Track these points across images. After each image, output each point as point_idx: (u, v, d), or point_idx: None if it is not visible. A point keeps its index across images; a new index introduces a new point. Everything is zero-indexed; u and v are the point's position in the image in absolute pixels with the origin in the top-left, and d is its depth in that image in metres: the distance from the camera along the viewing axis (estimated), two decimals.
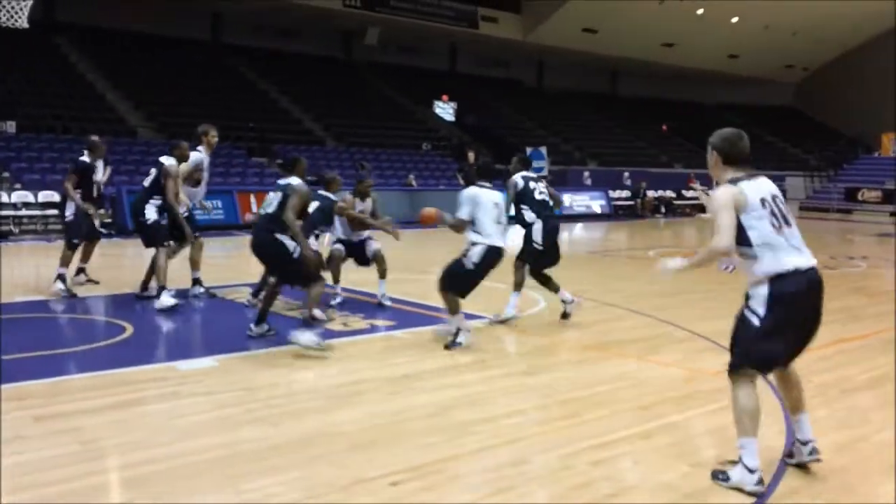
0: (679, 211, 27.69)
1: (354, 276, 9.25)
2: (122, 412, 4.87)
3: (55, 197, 15.43)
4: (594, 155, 32.08)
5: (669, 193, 28.15)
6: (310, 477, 3.94)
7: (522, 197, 7.91)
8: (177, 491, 3.76)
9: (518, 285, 7.94)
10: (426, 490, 3.82)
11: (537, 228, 7.83)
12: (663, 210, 27.41)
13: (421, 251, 12.75)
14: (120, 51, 26.08)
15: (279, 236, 6.47)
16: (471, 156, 22.49)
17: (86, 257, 9.60)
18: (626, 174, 27.91)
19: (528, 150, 26.85)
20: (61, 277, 8.79)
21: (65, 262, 8.88)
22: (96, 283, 9.52)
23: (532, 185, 7.95)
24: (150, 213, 8.28)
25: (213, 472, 4.00)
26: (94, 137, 9.73)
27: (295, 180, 6.69)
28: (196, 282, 8.93)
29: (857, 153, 35.54)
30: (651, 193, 27.15)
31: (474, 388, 5.64)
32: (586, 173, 27.97)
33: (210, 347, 6.83)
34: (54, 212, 15.69)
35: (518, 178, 8.01)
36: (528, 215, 7.87)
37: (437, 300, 8.79)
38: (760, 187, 3.92)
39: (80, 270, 9.55)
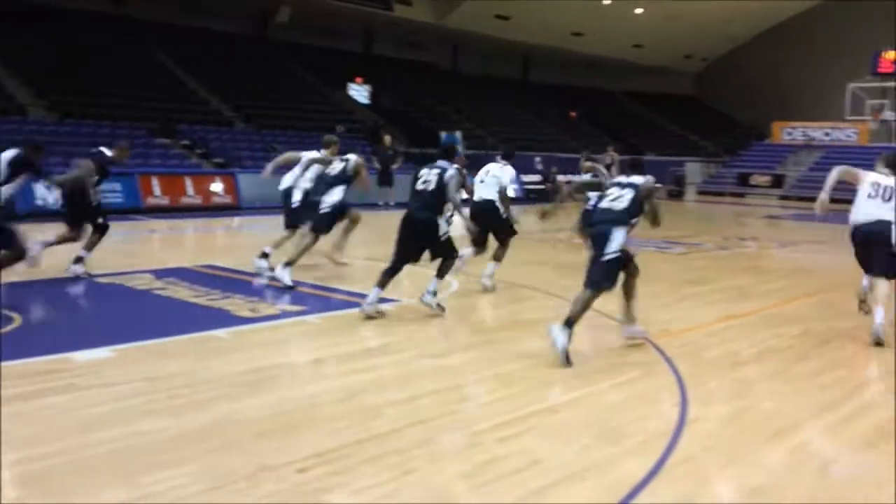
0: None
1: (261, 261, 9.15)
2: (14, 407, 4.62)
3: None
4: (507, 140, 32.43)
5: (578, 178, 28.76)
6: (213, 467, 3.89)
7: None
8: (73, 487, 3.64)
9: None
10: (334, 475, 3.85)
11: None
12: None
13: (331, 236, 12.65)
14: (11, 21, 24.45)
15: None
16: (386, 139, 22.32)
17: None
18: (538, 159, 28.33)
19: (444, 134, 26.99)
20: None
21: None
22: None
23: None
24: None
25: (111, 466, 3.89)
26: None
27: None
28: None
29: (750, 141, 37.07)
30: (561, 178, 27.63)
31: (385, 372, 5.69)
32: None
33: (107, 337, 6.36)
34: None
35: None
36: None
37: (349, 284, 8.84)
38: None
39: None
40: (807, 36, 39.09)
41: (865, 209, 7.05)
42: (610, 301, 8.25)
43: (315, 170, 9.64)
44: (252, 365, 5.71)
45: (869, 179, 7.15)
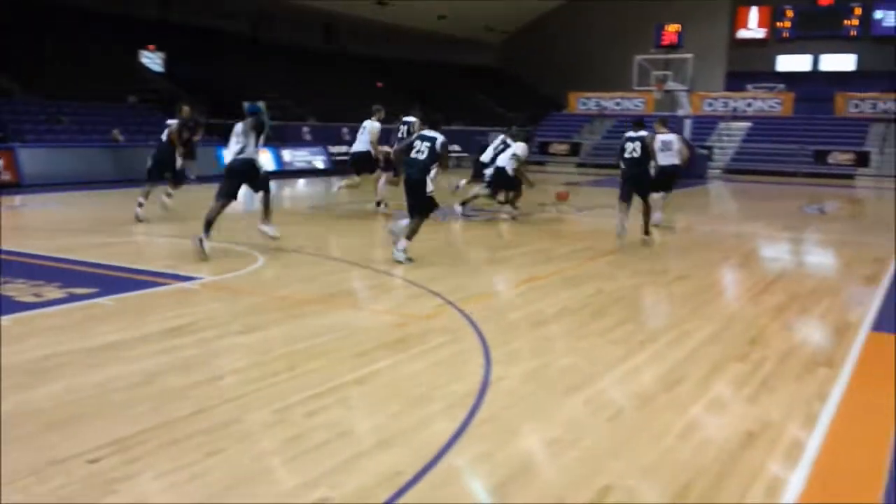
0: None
1: (47, 244, 8.49)
2: None
3: None
4: (313, 110, 31.91)
5: (387, 148, 28.79)
6: None
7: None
8: None
9: None
10: (128, 463, 3.65)
11: None
12: (383, 164, 27.98)
13: (124, 212, 11.96)
14: None
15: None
16: (185, 110, 21.22)
17: None
18: (345, 130, 28.08)
19: (246, 104, 26.08)
20: None
21: None
22: None
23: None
24: None
25: None
26: None
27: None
28: None
29: (549, 110, 38.79)
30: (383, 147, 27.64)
31: (186, 353, 5.45)
32: (305, 129, 27.79)
33: None
34: None
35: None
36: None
37: (144, 263, 8.40)
38: None
39: None
40: (597, 9, 41.32)
41: (659, 159, 11.81)
42: (414, 269, 8.41)
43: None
44: (40, 353, 5.28)
45: (659, 139, 11.68)
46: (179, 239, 10.35)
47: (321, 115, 31.29)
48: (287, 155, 24.57)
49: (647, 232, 10.88)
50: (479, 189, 13.94)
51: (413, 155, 8.99)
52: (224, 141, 12.59)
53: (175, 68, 30.44)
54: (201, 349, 5.55)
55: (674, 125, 26.78)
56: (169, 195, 12.48)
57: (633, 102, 35.67)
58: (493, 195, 13.75)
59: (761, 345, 5.99)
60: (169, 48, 30.84)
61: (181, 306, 6.73)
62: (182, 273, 7.95)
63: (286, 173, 23.78)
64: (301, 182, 22.27)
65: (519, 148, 13.43)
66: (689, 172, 21.13)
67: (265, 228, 9.45)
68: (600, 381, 5.04)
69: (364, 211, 14.33)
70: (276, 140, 25.72)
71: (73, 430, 4.01)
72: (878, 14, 37.02)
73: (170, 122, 12.87)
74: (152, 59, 30.56)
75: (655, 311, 7.10)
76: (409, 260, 8.73)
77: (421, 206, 8.96)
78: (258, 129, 9.34)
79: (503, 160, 13.32)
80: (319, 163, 25.75)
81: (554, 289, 7.90)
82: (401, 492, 3.44)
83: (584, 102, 36.84)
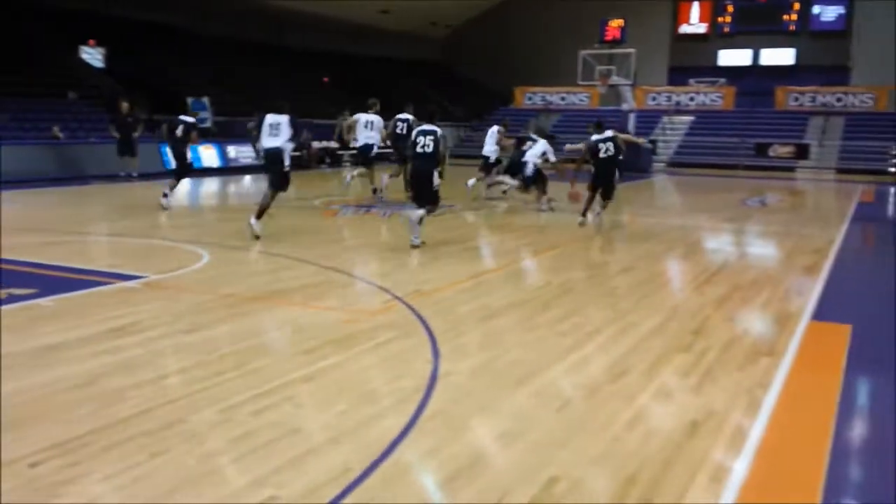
0: (343, 161, 28.32)
1: None
2: None
3: None
4: (260, 106, 31.50)
5: (333, 144, 28.61)
6: None
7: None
8: None
9: None
10: (70, 466, 3.57)
11: None
12: (328, 160, 27.85)
13: (66, 210, 11.69)
14: None
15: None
16: (124, 106, 20.78)
17: None
18: None
19: (190, 100, 25.64)
20: None
21: None
22: None
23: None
24: None
25: None
26: None
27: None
28: None
29: (496, 105, 38.95)
30: (316, 144, 27.40)
31: (130, 353, 5.34)
32: (251, 124, 27.43)
33: None
34: None
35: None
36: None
37: (86, 263, 8.22)
38: None
39: None
40: (542, 4, 41.59)
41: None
42: (363, 265, 8.38)
43: None
44: None
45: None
46: (121, 238, 10.15)
47: (266, 110, 30.90)
48: (232, 151, 24.23)
49: (584, 214, 12.08)
50: (508, 182, 15.36)
51: (419, 150, 9.64)
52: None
53: (116, 64, 29.76)
54: (145, 349, 5.44)
55: (619, 119, 27.23)
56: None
57: (578, 97, 36.04)
58: (526, 189, 15.03)
59: (705, 335, 6.11)
60: (110, 43, 30.14)
61: (124, 306, 6.59)
62: (125, 272, 7.80)
63: (231, 170, 23.47)
64: (247, 178, 21.98)
65: (545, 145, 14.91)
66: (634, 166, 21.45)
67: (253, 223, 9.93)
68: (548, 374, 5.09)
69: (312, 207, 14.20)
70: (221, 136, 25.37)
71: (15, 434, 3.90)
72: (815, 9, 37.98)
73: (183, 118, 13.60)
74: (92, 55, 29.83)
75: (602, 303, 7.19)
76: (423, 244, 9.66)
77: (427, 198, 9.73)
78: (293, 125, 10.74)
79: (533, 156, 14.74)
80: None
81: (502, 282, 7.94)
82: (349, 489, 3.42)
83: (529, 97, 37.10)
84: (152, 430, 4.01)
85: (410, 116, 14.72)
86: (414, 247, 9.50)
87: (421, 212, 9.66)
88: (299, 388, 4.71)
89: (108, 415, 4.18)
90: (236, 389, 4.62)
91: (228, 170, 23.34)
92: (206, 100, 26.11)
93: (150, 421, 4.13)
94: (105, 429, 4.00)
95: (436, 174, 9.69)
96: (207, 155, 23.25)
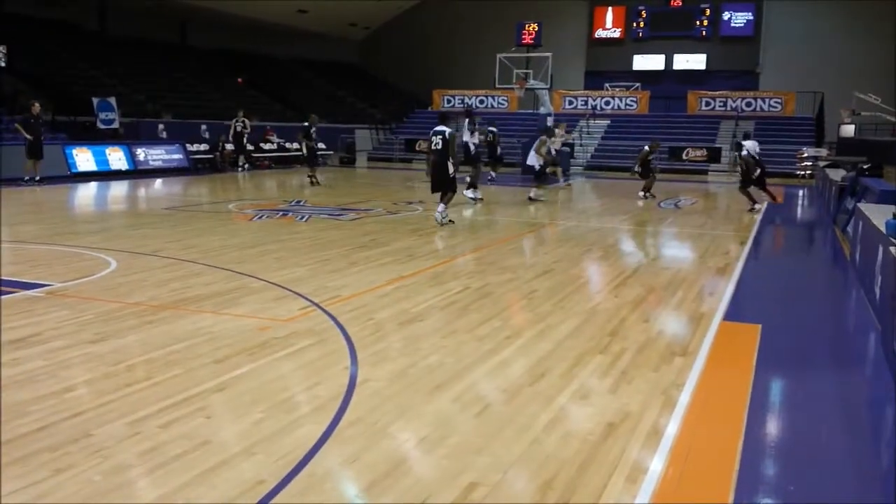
0: (258, 164, 27.82)
1: None
2: None
3: None
4: (168, 107, 30.67)
5: (249, 147, 28.09)
6: None
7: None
8: None
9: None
10: None
11: None
12: (244, 164, 27.26)
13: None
14: None
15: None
16: (36, 107, 19.95)
17: None
18: (204, 127, 27.18)
19: (96, 100, 24.76)
20: None
21: None
22: None
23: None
24: None
25: None
26: None
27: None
28: None
29: (413, 108, 38.97)
30: (230, 146, 26.81)
31: (31, 365, 5.09)
32: (161, 126, 26.65)
33: None
34: None
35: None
36: None
37: None
38: None
39: None
40: (461, 7, 41.85)
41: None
42: (278, 271, 8.22)
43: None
44: None
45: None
46: (21, 244, 9.71)
47: (177, 111, 30.14)
48: (141, 153, 23.48)
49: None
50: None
51: (433, 147, 12.55)
52: (71, 139, 12.00)
53: (17, 62, 28.48)
54: (48, 360, 5.20)
55: (536, 123, 27.53)
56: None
57: (496, 100, 36.35)
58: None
59: (621, 336, 6.20)
60: (9, 41, 28.83)
61: (26, 316, 6.29)
62: (26, 280, 7.45)
63: (140, 172, 22.76)
64: (158, 182, 21.36)
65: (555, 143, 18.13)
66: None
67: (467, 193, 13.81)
68: (467, 378, 5.07)
69: (226, 211, 13.88)
70: (130, 137, 24.57)
71: None
72: (725, 15, 39.38)
73: (238, 119, 13.27)
74: None
75: (521, 306, 7.23)
76: (451, 222, 12.48)
77: (445, 184, 12.46)
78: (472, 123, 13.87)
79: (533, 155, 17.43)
80: (175, 161, 24.64)
81: (420, 287, 7.90)
82: (263, 501, 3.32)
83: (448, 100, 37.19)
84: (56, 445, 3.83)
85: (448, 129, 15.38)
86: (441, 224, 12.29)
87: (441, 207, 12.41)
88: (211, 398, 4.57)
89: (9, 430, 3.97)
90: (145, 401, 4.45)
91: (137, 172, 22.61)
92: (112, 100, 25.25)
93: (53, 436, 3.94)
94: (4, 445, 3.78)
95: (449, 164, 12.26)
96: (115, 157, 22.46)
